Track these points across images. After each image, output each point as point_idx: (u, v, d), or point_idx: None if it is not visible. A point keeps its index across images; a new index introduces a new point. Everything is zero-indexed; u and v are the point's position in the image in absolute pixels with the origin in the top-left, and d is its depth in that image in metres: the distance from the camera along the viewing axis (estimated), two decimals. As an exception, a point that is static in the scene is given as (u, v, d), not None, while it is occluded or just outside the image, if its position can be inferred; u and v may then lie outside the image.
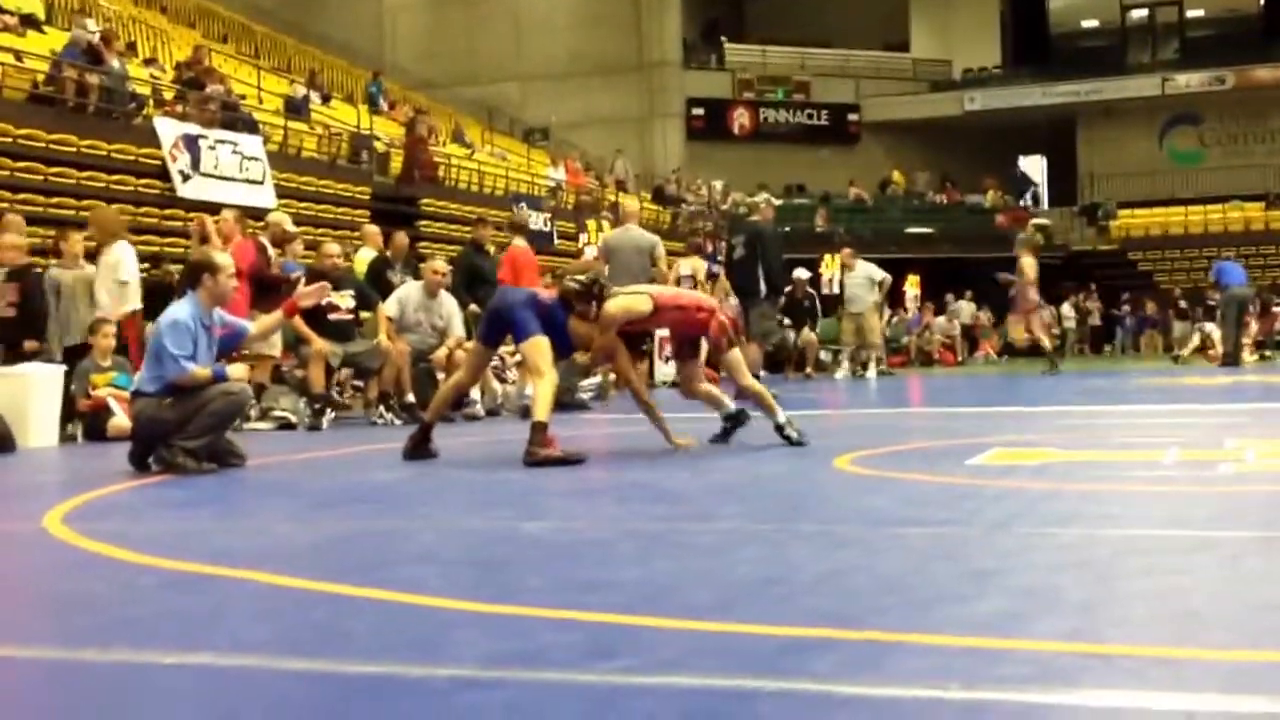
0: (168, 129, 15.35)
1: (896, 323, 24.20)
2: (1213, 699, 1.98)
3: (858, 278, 17.25)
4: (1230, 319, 18.32)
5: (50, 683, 2.34)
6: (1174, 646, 2.30)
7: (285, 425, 9.72)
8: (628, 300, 6.41)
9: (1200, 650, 2.27)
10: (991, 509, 4.22)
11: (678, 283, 15.75)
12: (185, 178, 15.28)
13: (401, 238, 12.53)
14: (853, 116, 37.32)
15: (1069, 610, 2.64)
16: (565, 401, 10.41)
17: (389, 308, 10.16)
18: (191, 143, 15.44)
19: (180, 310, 6.36)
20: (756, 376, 12.45)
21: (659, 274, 11.16)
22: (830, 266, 22.03)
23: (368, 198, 19.16)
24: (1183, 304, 28.89)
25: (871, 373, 17.27)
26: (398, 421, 9.66)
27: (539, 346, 6.22)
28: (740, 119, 36.47)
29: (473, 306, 11.55)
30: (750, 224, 12.80)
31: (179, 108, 16.42)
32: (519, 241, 11.74)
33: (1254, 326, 22.53)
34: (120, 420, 8.97)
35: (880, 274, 17.46)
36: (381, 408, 9.91)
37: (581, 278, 6.54)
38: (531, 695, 2.09)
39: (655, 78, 35.24)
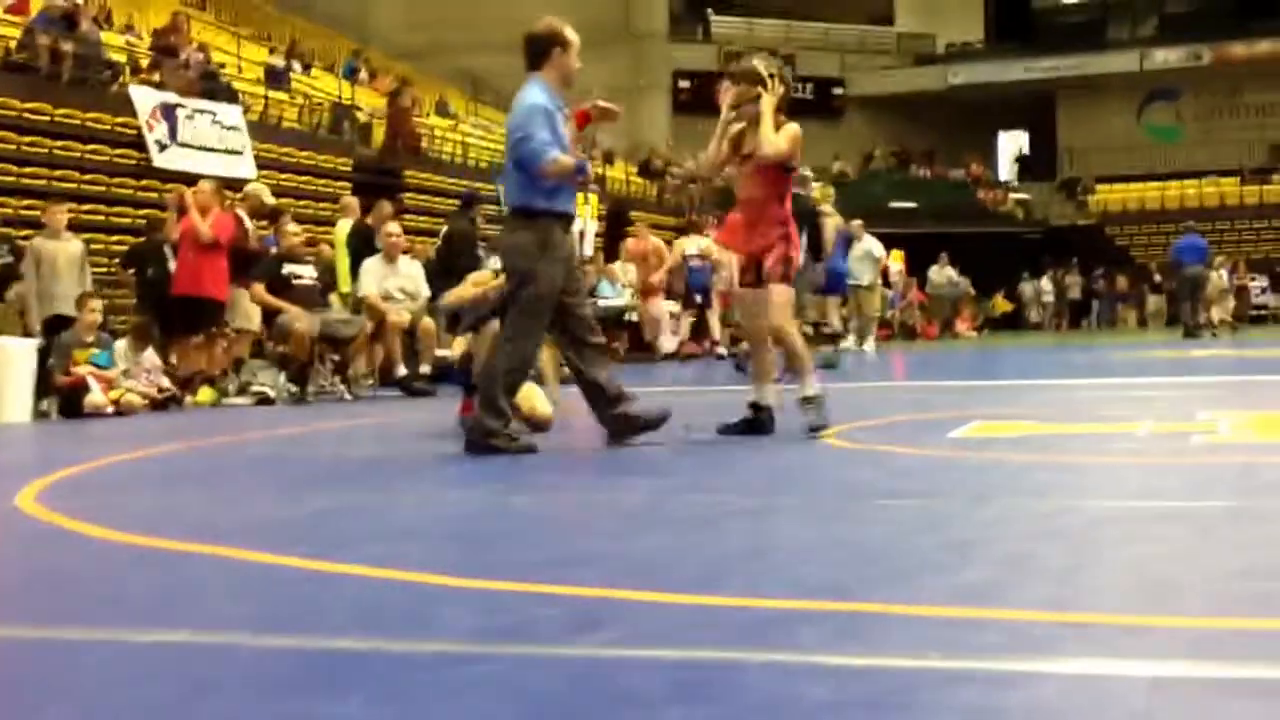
0: (144, 97, 15.19)
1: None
2: (1181, 665, 2.02)
3: (859, 252, 17.16)
4: (1184, 296, 19.06)
5: (25, 661, 2.34)
6: (1146, 615, 2.33)
7: (264, 400, 9.72)
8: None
9: (1171, 618, 2.30)
10: (972, 481, 4.26)
11: (680, 262, 15.80)
12: (162, 147, 15.14)
13: (386, 205, 12.49)
14: (837, 90, 37.25)
15: (1046, 580, 2.67)
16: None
17: (367, 287, 10.23)
18: (169, 112, 15.30)
19: (532, 94, 5.48)
20: (744, 357, 12.42)
21: None
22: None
23: (350, 169, 19.04)
24: (1158, 278, 29.07)
25: (870, 346, 17.28)
26: (349, 397, 9.80)
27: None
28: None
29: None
30: None
31: (156, 76, 16.25)
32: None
33: (1229, 301, 22.82)
34: (96, 397, 8.91)
35: (880, 251, 17.53)
36: (337, 378, 10.05)
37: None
38: (517, 669, 2.10)
39: (641, 50, 35.05)
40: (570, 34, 5.56)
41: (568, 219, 5.53)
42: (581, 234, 16.59)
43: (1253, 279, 28.76)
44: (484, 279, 7.04)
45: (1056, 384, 9.70)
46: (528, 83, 5.52)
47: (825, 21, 37.64)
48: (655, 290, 15.97)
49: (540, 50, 5.52)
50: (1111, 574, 2.74)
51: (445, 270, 11.72)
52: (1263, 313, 28.94)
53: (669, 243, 17.78)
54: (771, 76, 5.64)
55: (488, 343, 6.22)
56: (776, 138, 5.54)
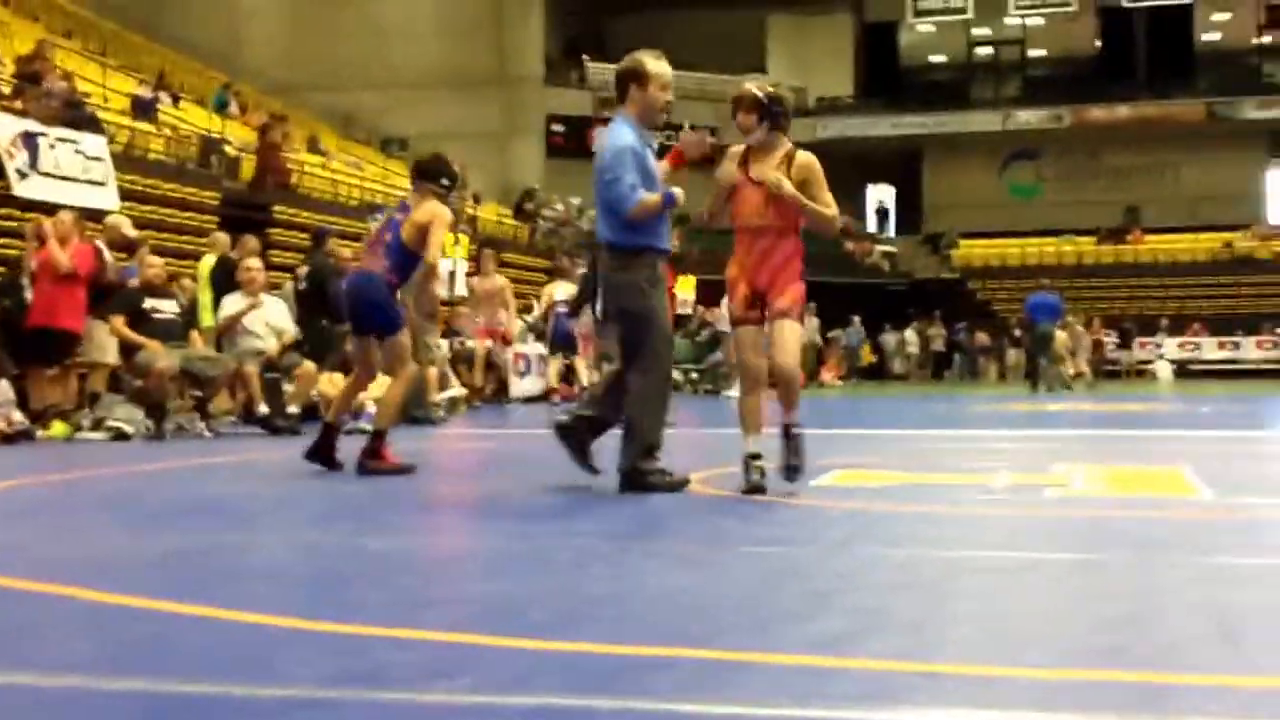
0: (5, 125, 14.71)
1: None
2: (1031, 716, 2.06)
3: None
4: (1037, 352, 20.00)
5: None
6: (996, 665, 2.38)
7: (120, 436, 9.41)
8: None
9: (1021, 669, 2.35)
10: (832, 530, 4.32)
11: (549, 308, 15.66)
12: (22, 176, 14.64)
13: (251, 241, 12.25)
14: (711, 140, 37.78)
15: (900, 630, 2.72)
16: (415, 415, 10.31)
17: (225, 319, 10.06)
18: (30, 140, 14.81)
19: (620, 135, 5.52)
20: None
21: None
22: (684, 288, 22.22)
23: (217, 203, 18.66)
24: (1017, 333, 30.05)
25: (736, 392, 17.33)
26: (208, 434, 9.56)
27: (405, 345, 6.23)
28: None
29: None
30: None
31: (18, 103, 15.76)
32: None
33: (1080, 358, 23.79)
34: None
35: None
36: (196, 414, 9.81)
37: None
38: (365, 716, 2.06)
39: (517, 93, 35.19)
40: (652, 68, 5.67)
41: (663, 253, 5.59)
42: (452, 274, 16.51)
43: (1106, 335, 29.90)
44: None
45: (918, 434, 9.92)
46: (614, 119, 5.64)
47: (701, 71, 38.25)
48: (502, 334, 15.56)
49: (620, 86, 5.68)
50: (965, 625, 2.79)
51: (313, 304, 11.53)
52: (1115, 368, 30.09)
53: (536, 284, 17.69)
54: (776, 100, 5.65)
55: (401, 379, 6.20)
56: (827, 196, 5.44)
